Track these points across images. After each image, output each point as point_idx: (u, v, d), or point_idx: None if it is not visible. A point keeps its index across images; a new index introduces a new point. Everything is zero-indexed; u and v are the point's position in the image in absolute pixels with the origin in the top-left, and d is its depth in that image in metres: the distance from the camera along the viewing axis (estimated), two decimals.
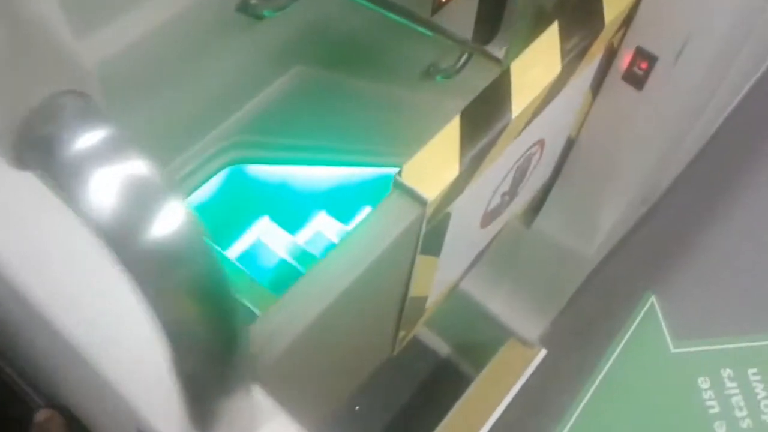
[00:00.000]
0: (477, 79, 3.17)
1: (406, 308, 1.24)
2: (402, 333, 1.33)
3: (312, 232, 2.95)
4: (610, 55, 1.33)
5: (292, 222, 2.88)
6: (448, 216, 1.13)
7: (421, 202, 1.03)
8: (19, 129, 0.50)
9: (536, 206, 1.63)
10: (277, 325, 0.96)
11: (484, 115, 1.10)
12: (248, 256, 2.64)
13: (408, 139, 3.25)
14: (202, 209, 2.34)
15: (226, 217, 2.58)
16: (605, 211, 1.57)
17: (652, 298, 2.05)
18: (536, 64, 1.15)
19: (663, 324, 2.01)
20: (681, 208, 2.12)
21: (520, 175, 1.33)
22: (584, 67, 1.26)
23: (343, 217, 3.11)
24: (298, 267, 2.63)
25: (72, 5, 1.41)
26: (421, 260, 1.15)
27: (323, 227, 2.99)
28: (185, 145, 2.04)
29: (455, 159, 1.06)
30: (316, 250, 2.86)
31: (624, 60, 1.32)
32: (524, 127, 1.18)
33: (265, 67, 2.17)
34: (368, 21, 2.33)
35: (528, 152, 1.29)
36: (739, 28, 1.28)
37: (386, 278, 1.12)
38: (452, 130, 1.08)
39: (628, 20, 1.27)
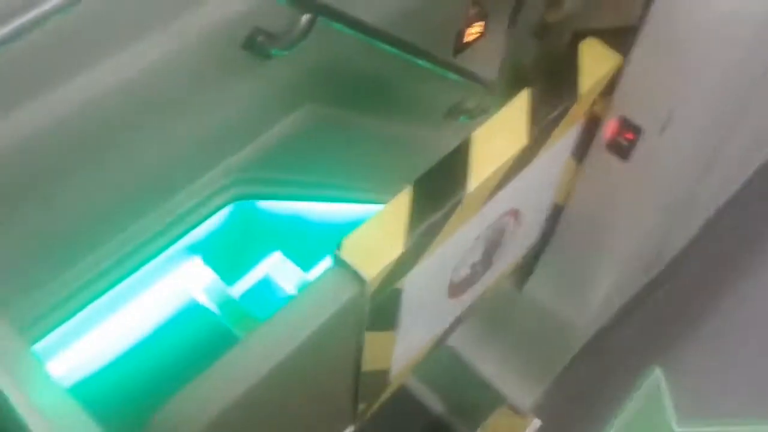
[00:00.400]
0: None
1: (361, 383, 1.18)
2: (362, 406, 1.27)
3: (324, 268, 2.90)
4: (594, 122, 1.25)
5: (304, 259, 2.84)
6: (398, 292, 1.07)
7: (360, 280, 0.97)
8: None
9: (527, 270, 1.56)
10: (194, 405, 0.92)
11: (438, 188, 1.04)
12: (255, 293, 2.61)
13: None
14: (210, 243, 2.33)
15: (234, 251, 2.57)
16: (598, 280, 1.48)
17: (658, 372, 1.93)
18: (501, 134, 1.09)
19: (668, 400, 1.89)
20: (689, 279, 2.00)
21: (492, 245, 1.26)
22: (560, 136, 1.19)
23: None
24: None
25: (88, 35, 1.41)
26: (372, 336, 1.10)
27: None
28: (189, 179, 2.04)
29: (401, 235, 1.00)
30: None
31: (608, 129, 1.24)
32: (487, 199, 1.11)
33: (274, 104, 2.15)
34: (384, 61, 2.29)
35: (499, 222, 1.22)
36: (731, 99, 1.19)
37: (328, 354, 1.07)
38: (401, 203, 1.03)
39: (609, 89, 1.20)
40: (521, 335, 1.75)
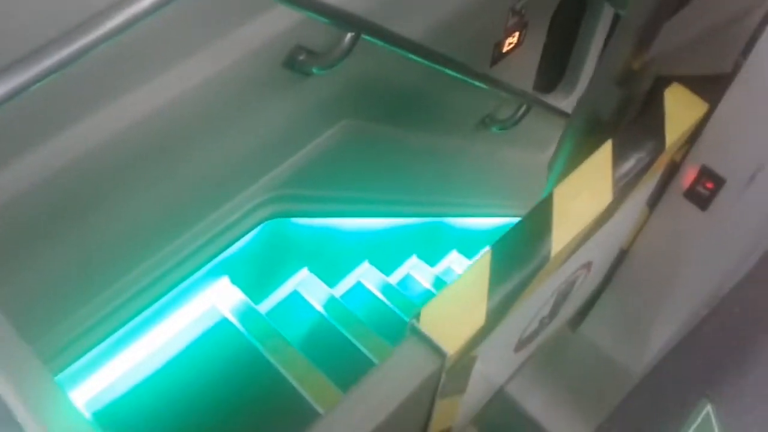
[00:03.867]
0: (535, 129, 3.06)
1: None
2: None
3: (352, 282, 2.86)
4: (671, 169, 1.19)
5: (334, 273, 2.79)
6: (473, 359, 1.01)
7: (440, 354, 0.91)
8: None
9: (583, 311, 1.50)
10: None
11: (519, 251, 0.98)
12: (283, 308, 2.56)
13: (460, 190, 3.16)
14: (240, 261, 2.28)
15: (264, 267, 2.52)
16: (657, 326, 1.42)
17: (708, 407, 1.87)
18: (583, 192, 1.02)
19: None
20: (740, 310, 1.94)
21: (562, 297, 1.20)
22: (642, 187, 1.12)
23: (386, 267, 3.01)
24: (333, 323, 2.54)
25: (135, 55, 1.36)
26: (442, 403, 1.04)
27: (364, 277, 2.89)
28: (225, 199, 1.99)
29: (482, 304, 0.94)
30: (353, 304, 2.77)
31: (687, 177, 1.18)
32: (567, 259, 1.05)
33: (312, 121, 2.10)
34: (420, 74, 2.23)
35: (572, 276, 1.16)
36: None
37: (401, 425, 1.01)
38: (480, 268, 0.96)
39: (693, 137, 1.13)
40: (574, 376, 1.69)
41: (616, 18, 3.07)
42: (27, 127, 1.29)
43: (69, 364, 1.78)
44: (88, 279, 1.69)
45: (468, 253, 3.63)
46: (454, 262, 3.51)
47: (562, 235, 0.99)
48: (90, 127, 1.40)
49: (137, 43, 1.24)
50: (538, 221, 1.00)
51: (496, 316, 0.96)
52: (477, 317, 0.93)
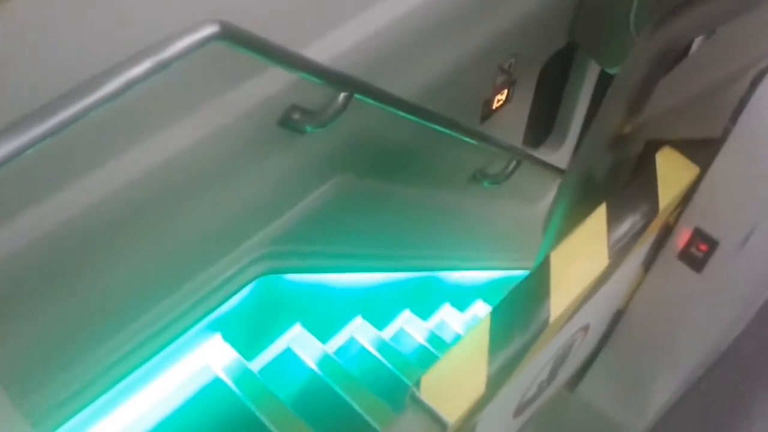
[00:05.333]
0: (525, 183, 3.09)
1: None
2: None
3: (345, 338, 2.83)
4: (665, 231, 1.20)
5: (327, 328, 2.77)
6: (473, 427, 1.00)
7: (441, 424, 0.90)
8: None
9: (580, 371, 1.49)
10: None
11: (517, 317, 0.98)
12: (275, 366, 2.53)
13: (451, 243, 3.16)
14: (232, 318, 2.26)
15: (256, 323, 2.50)
16: (655, 385, 1.41)
17: None
18: (580, 255, 1.03)
19: None
20: (738, 369, 1.92)
21: (560, 361, 1.19)
22: (636, 250, 1.13)
23: (379, 322, 2.99)
24: (327, 381, 2.51)
25: (130, 117, 1.38)
26: None
27: (357, 332, 2.87)
28: (218, 256, 1.99)
29: (482, 371, 0.93)
30: (347, 360, 2.74)
31: (680, 238, 1.19)
32: (565, 323, 1.05)
33: (306, 177, 2.11)
34: (413, 131, 2.26)
35: (570, 339, 1.16)
36: None
37: None
38: (479, 335, 0.96)
39: (685, 199, 1.15)
40: None
41: (603, 73, 3.14)
42: (24, 185, 1.29)
43: (60, 425, 1.75)
44: (80, 337, 1.67)
45: (460, 306, 3.62)
46: (447, 315, 3.49)
47: (560, 299, 0.99)
48: (85, 186, 1.41)
49: (136, 103, 1.26)
50: (535, 287, 1.00)
51: (496, 383, 0.95)
52: (477, 385, 0.92)
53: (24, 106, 1.08)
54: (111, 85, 1.16)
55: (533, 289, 1.00)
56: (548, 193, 3.50)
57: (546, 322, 0.97)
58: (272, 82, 1.68)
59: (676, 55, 1.04)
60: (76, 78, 1.13)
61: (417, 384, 0.92)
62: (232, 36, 1.37)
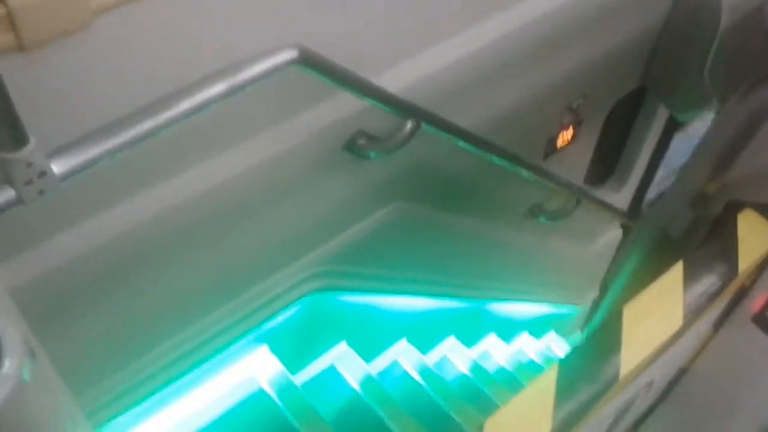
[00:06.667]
0: (582, 222, 3.05)
1: None
2: None
3: (389, 360, 2.83)
4: (740, 292, 1.17)
5: (372, 348, 2.78)
6: None
7: None
8: None
9: (635, 423, 1.46)
10: None
11: (586, 370, 0.97)
12: (319, 382, 2.54)
13: (502, 276, 3.14)
14: (280, 331, 2.28)
15: (303, 338, 2.52)
16: None
17: None
18: (654, 313, 1.02)
19: None
20: None
21: (621, 415, 1.17)
22: (710, 310, 1.11)
23: (424, 347, 2.98)
24: (368, 402, 2.51)
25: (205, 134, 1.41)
26: None
27: (401, 356, 2.86)
28: (277, 269, 2.01)
29: (546, 423, 0.92)
30: (389, 382, 2.74)
31: (756, 302, 1.16)
32: (633, 380, 1.03)
33: (365, 201, 2.13)
34: (474, 163, 2.26)
35: (634, 395, 1.14)
36: None
37: None
38: (547, 384, 0.95)
39: (764, 263, 1.12)
40: None
41: (670, 118, 3.10)
42: (100, 191, 1.33)
43: (109, 420, 1.79)
44: (132, 340, 1.70)
45: (505, 337, 3.58)
46: (492, 346, 3.46)
47: (631, 356, 0.97)
48: (156, 195, 1.44)
49: (211, 119, 1.29)
50: (606, 340, 0.99)
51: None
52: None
53: (111, 114, 1.11)
54: (186, 104, 1.19)
55: (604, 344, 0.98)
56: (603, 233, 3.45)
57: (615, 378, 0.96)
58: (341, 107, 1.71)
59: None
60: (151, 95, 1.16)
61: (480, 429, 0.92)
62: (309, 61, 1.39)
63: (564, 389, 0.94)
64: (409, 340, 2.97)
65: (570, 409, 0.94)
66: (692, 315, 1.03)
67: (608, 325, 1.00)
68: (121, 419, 1.85)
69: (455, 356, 3.16)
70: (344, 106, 1.71)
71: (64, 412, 0.55)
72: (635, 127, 3.12)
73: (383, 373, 2.79)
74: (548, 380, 0.95)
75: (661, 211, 1.15)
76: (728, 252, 1.06)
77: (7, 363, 0.45)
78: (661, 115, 3.03)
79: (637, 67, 2.56)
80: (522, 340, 3.70)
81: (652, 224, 1.18)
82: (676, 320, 1.00)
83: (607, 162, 3.24)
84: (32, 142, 0.95)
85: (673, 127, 3.09)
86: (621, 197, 3.22)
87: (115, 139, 1.14)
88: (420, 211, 2.37)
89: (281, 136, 1.65)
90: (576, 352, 0.98)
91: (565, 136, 2.55)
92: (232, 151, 1.55)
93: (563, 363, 0.97)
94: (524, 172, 2.39)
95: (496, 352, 3.42)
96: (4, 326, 0.48)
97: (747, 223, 1.09)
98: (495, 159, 2.22)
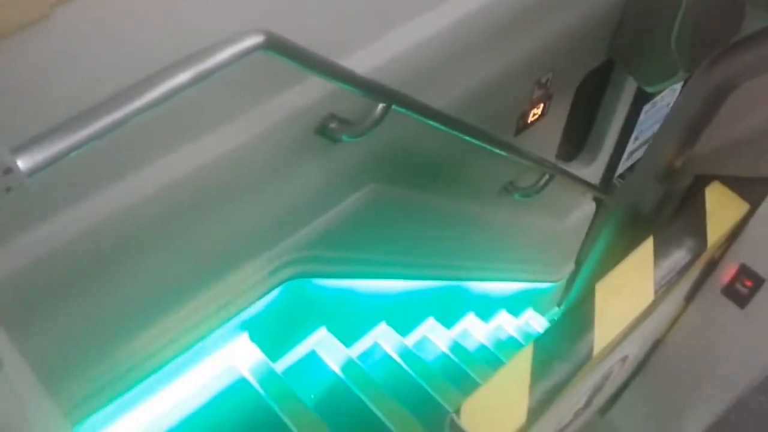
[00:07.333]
0: (555, 197, 3.07)
1: None
2: None
3: (369, 343, 2.84)
4: (710, 265, 1.19)
5: (351, 332, 2.78)
6: None
7: None
8: None
9: (613, 397, 1.48)
10: None
11: (560, 349, 0.97)
12: (300, 368, 2.54)
13: (479, 254, 3.16)
14: (259, 318, 2.28)
15: (283, 325, 2.51)
16: (687, 417, 1.40)
17: None
18: (625, 289, 1.03)
19: None
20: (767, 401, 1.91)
21: (597, 390, 1.19)
22: (681, 284, 1.12)
23: (403, 329, 2.99)
24: (350, 385, 2.52)
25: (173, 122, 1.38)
26: None
27: (381, 338, 2.87)
28: (249, 259, 2.00)
29: (523, 402, 0.93)
30: (370, 365, 2.75)
31: (725, 274, 1.18)
32: (607, 355, 1.05)
33: (340, 184, 2.12)
34: (447, 142, 2.26)
35: (609, 370, 1.15)
36: None
37: None
38: (521, 365, 0.96)
39: (732, 235, 1.14)
40: None
41: (639, 91, 3.11)
42: (71, 183, 1.31)
43: (88, 416, 1.77)
44: (111, 332, 1.69)
45: (484, 316, 3.61)
46: (471, 324, 3.48)
47: (604, 333, 0.98)
48: (128, 185, 1.42)
49: (180, 107, 1.27)
50: (579, 319, 0.99)
51: (536, 413, 0.95)
52: (518, 415, 0.92)
53: (76, 106, 1.09)
54: (153, 93, 1.17)
55: (577, 322, 0.99)
56: (577, 207, 3.48)
57: (589, 355, 0.97)
58: (311, 91, 1.69)
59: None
60: (116, 85, 1.14)
61: (457, 411, 0.92)
62: (276, 46, 1.38)
63: (539, 368, 0.95)
64: (389, 323, 2.98)
65: (546, 387, 0.95)
66: (663, 290, 1.04)
67: (581, 303, 1.01)
68: (103, 412, 1.83)
69: (435, 336, 3.18)
70: (314, 89, 1.70)
71: (35, 416, 0.54)
72: (604, 101, 3.14)
73: (364, 356, 2.80)
74: (524, 359, 0.96)
75: (630, 186, 1.15)
76: (697, 226, 1.07)
77: None
78: (630, 88, 3.04)
79: (604, 39, 2.56)
80: (501, 317, 3.72)
81: (621, 200, 1.18)
82: (648, 296, 1.01)
83: (577, 137, 3.26)
84: None
85: (642, 99, 3.10)
86: (593, 171, 3.24)
87: (81, 132, 1.12)
88: (395, 193, 2.36)
89: (252, 122, 1.64)
90: (550, 331, 0.99)
91: (536, 111, 2.56)
92: (202, 139, 1.54)
93: (538, 342, 0.98)
94: (496, 150, 2.39)
95: (476, 331, 3.44)
96: None
97: (715, 196, 1.10)
98: (467, 138, 2.22)
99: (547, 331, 0.99)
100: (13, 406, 0.50)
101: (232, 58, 1.28)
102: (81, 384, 1.70)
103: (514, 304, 3.75)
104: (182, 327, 1.91)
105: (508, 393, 0.94)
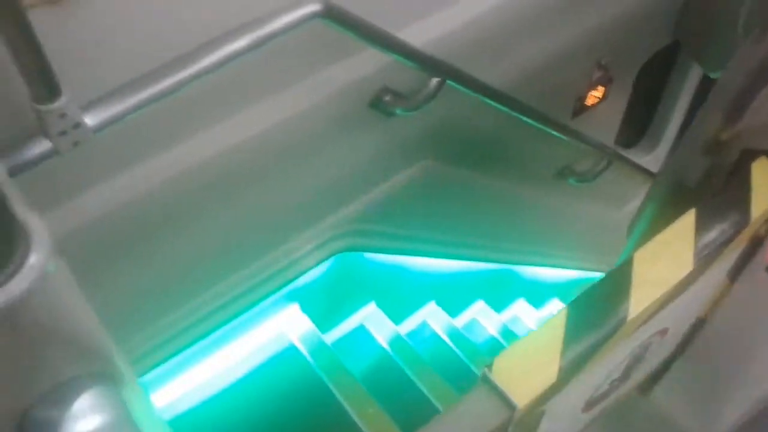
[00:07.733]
0: (613, 184, 3.03)
1: None
2: None
3: (417, 322, 2.87)
4: (755, 243, 1.17)
5: (401, 309, 2.82)
6: (541, 413, 1.02)
7: (510, 406, 0.93)
8: (23, 412, 0.47)
9: (655, 376, 1.47)
10: None
11: (595, 312, 0.99)
12: (348, 341, 2.60)
13: (532, 238, 3.14)
14: (310, 290, 2.33)
15: (333, 298, 2.57)
16: (731, 399, 1.39)
17: None
18: (664, 258, 1.03)
19: None
20: None
21: (635, 362, 1.19)
22: (722, 259, 1.11)
23: (453, 309, 3.01)
24: (397, 361, 2.56)
25: (231, 90, 1.43)
26: None
27: (430, 317, 2.91)
28: (305, 227, 2.05)
29: (555, 361, 0.95)
30: (418, 343, 2.78)
31: None
32: (643, 324, 1.05)
33: (393, 159, 2.15)
34: (501, 121, 2.26)
35: (647, 341, 1.15)
36: None
37: None
38: (556, 325, 0.98)
39: None
40: None
41: (704, 78, 3.03)
42: (136, 145, 1.38)
43: (148, 371, 1.86)
44: (170, 293, 1.76)
45: (535, 303, 3.59)
46: (522, 311, 3.48)
47: (639, 299, 0.99)
48: (189, 149, 1.49)
49: (238, 75, 1.32)
50: (616, 283, 1.00)
51: (567, 374, 0.97)
52: (549, 374, 0.94)
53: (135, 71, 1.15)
54: (212, 57, 1.22)
55: (614, 286, 1.00)
56: (636, 196, 3.42)
57: (623, 320, 0.98)
58: (366, 63, 1.72)
59: None
60: (176, 51, 1.20)
61: (490, 365, 0.95)
62: (332, 15, 1.41)
63: (572, 329, 0.97)
64: (438, 303, 3.00)
65: (579, 349, 0.96)
66: (703, 262, 1.04)
67: (619, 269, 1.02)
68: (158, 370, 1.91)
69: (484, 319, 3.19)
70: (369, 61, 1.73)
71: (83, 313, 0.59)
72: (668, 86, 3.07)
73: (412, 334, 2.84)
74: (558, 320, 0.98)
75: (677, 159, 1.15)
76: (741, 200, 1.06)
77: (34, 255, 0.49)
78: (695, 73, 2.97)
79: (669, 21, 2.51)
80: (552, 306, 3.70)
81: (667, 173, 1.18)
82: (687, 264, 1.01)
83: (639, 123, 3.20)
84: (66, 94, 0.99)
85: (707, 86, 3.02)
86: (653, 159, 3.18)
87: (143, 93, 1.18)
88: (447, 170, 2.38)
89: (306, 92, 1.67)
90: (586, 294, 1.00)
91: (595, 94, 2.53)
92: (257, 108, 1.58)
93: (573, 305, 0.99)
94: (553, 132, 2.37)
95: (526, 318, 3.43)
96: (33, 221, 0.52)
97: (761, 172, 1.08)
98: (522, 117, 2.21)
99: (582, 294, 1.00)
100: (69, 293, 0.56)
101: (289, 25, 1.32)
102: (138, 341, 1.78)
103: (567, 293, 3.72)
104: (237, 291, 1.98)
105: (540, 352, 0.96)
